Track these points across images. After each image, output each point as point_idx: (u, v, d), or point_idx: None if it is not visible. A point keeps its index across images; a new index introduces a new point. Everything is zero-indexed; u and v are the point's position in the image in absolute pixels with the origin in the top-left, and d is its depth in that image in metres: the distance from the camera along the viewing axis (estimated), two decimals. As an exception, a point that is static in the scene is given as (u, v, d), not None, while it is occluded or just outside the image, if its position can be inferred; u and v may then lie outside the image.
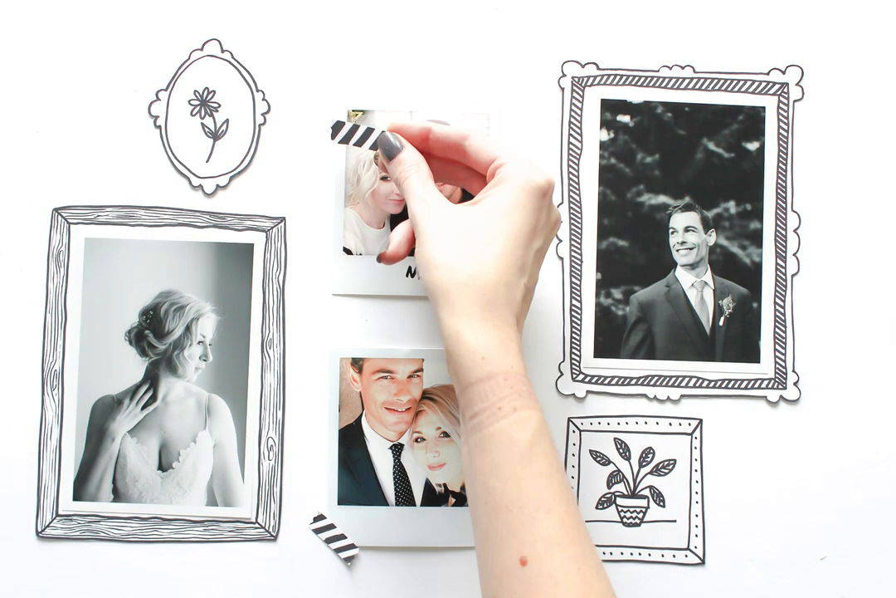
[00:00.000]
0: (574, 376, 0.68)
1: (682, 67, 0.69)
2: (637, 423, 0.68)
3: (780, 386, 0.68)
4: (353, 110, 0.67)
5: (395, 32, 0.68)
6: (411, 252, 0.60)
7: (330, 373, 0.67)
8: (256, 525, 0.66)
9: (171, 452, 0.67)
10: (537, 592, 0.49)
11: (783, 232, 0.68)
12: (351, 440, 0.67)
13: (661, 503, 0.67)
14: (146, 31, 0.67)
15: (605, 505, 0.67)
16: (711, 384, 0.68)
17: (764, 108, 0.69)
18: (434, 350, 0.67)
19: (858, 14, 0.69)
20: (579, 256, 0.68)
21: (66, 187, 0.67)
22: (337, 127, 0.62)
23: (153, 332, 0.67)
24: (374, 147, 0.62)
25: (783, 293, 0.68)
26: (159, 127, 0.67)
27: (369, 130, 0.62)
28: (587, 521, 0.67)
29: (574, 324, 0.68)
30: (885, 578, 0.67)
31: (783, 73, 0.69)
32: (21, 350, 0.66)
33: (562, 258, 0.68)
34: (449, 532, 0.66)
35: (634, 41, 0.68)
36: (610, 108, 0.68)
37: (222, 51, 0.68)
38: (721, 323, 0.68)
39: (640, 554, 0.67)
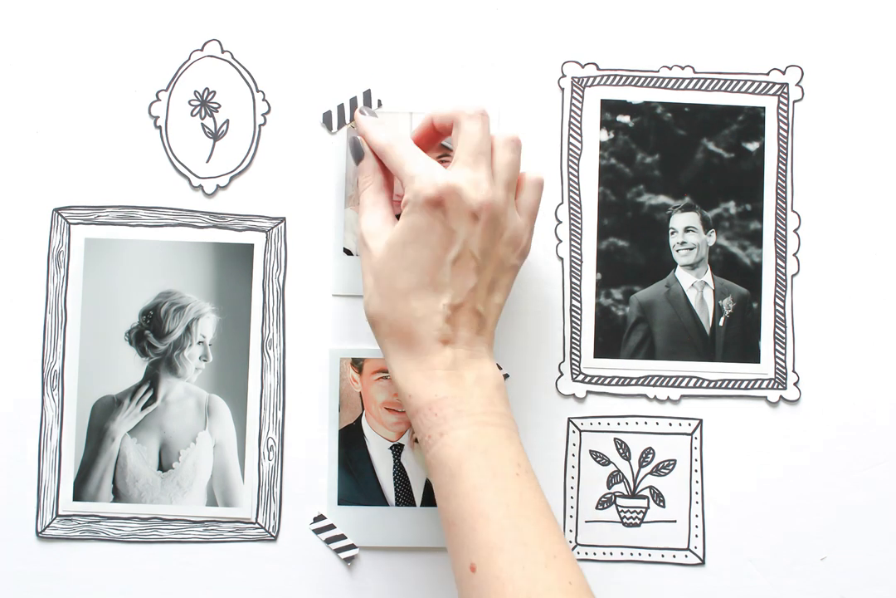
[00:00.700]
0: (574, 376, 0.68)
1: (682, 68, 0.69)
2: (637, 423, 0.68)
3: (780, 386, 0.68)
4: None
5: (395, 32, 0.68)
6: None
7: (330, 373, 0.67)
8: (256, 525, 0.66)
9: (171, 452, 0.67)
10: (488, 594, 0.52)
11: (783, 232, 0.68)
12: (351, 441, 0.67)
13: (661, 504, 0.67)
14: (146, 31, 0.67)
15: (605, 505, 0.67)
16: (711, 385, 0.68)
17: (764, 108, 0.69)
18: (434, 350, 0.67)
19: (858, 14, 0.69)
20: (579, 257, 0.68)
21: (66, 187, 0.67)
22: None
23: (153, 332, 0.67)
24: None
25: (783, 293, 0.68)
26: (159, 127, 0.67)
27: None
28: (587, 521, 0.67)
29: (574, 324, 0.68)
30: (885, 578, 0.67)
31: (783, 73, 0.69)
32: (21, 350, 0.66)
33: (562, 258, 0.68)
34: (449, 532, 0.66)
35: (634, 41, 0.68)
36: (610, 108, 0.68)
37: (222, 51, 0.68)
38: (721, 323, 0.68)
39: (640, 554, 0.67)
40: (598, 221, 0.68)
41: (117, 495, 0.66)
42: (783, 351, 0.68)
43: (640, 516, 0.67)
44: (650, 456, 0.68)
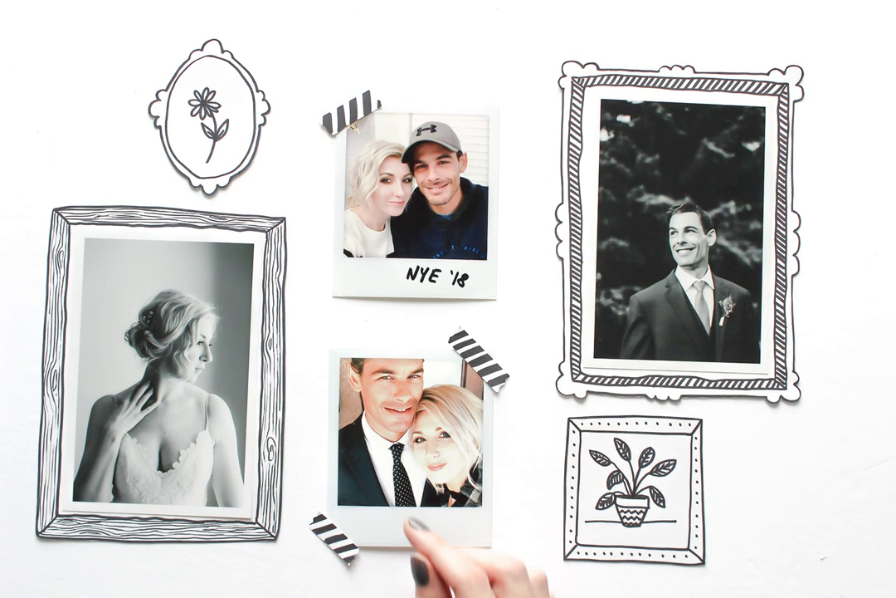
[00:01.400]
0: (574, 376, 0.68)
1: (682, 68, 0.69)
2: (637, 423, 0.68)
3: (780, 386, 0.68)
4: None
5: (396, 33, 0.68)
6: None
7: (330, 373, 0.67)
8: (256, 525, 0.66)
9: (171, 452, 0.67)
10: None
11: (783, 232, 0.68)
12: (351, 441, 0.67)
13: (661, 504, 0.67)
14: (146, 31, 0.67)
15: (606, 505, 0.67)
16: (711, 384, 0.68)
17: (764, 108, 0.69)
18: (434, 350, 0.67)
19: (858, 14, 0.69)
20: (579, 257, 0.68)
21: (66, 187, 0.67)
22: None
23: (153, 332, 0.67)
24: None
25: (783, 293, 0.68)
26: (159, 127, 0.67)
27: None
28: (587, 521, 0.67)
29: (574, 324, 0.68)
30: (885, 578, 0.67)
31: (783, 73, 0.69)
32: (21, 350, 0.66)
33: (562, 258, 0.68)
34: (449, 532, 0.66)
35: (634, 41, 0.68)
36: (610, 108, 0.68)
37: (222, 51, 0.68)
38: (721, 323, 0.68)
39: (640, 554, 0.67)
40: (598, 221, 0.68)
41: (117, 496, 0.66)
42: (783, 351, 0.68)
43: (641, 516, 0.67)
44: (650, 456, 0.68)
